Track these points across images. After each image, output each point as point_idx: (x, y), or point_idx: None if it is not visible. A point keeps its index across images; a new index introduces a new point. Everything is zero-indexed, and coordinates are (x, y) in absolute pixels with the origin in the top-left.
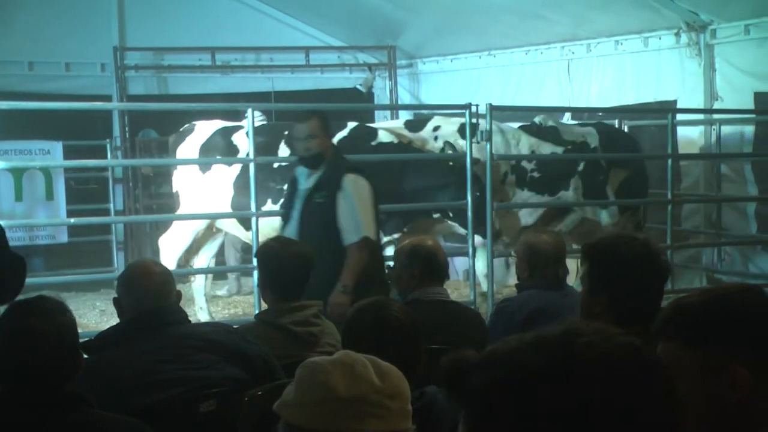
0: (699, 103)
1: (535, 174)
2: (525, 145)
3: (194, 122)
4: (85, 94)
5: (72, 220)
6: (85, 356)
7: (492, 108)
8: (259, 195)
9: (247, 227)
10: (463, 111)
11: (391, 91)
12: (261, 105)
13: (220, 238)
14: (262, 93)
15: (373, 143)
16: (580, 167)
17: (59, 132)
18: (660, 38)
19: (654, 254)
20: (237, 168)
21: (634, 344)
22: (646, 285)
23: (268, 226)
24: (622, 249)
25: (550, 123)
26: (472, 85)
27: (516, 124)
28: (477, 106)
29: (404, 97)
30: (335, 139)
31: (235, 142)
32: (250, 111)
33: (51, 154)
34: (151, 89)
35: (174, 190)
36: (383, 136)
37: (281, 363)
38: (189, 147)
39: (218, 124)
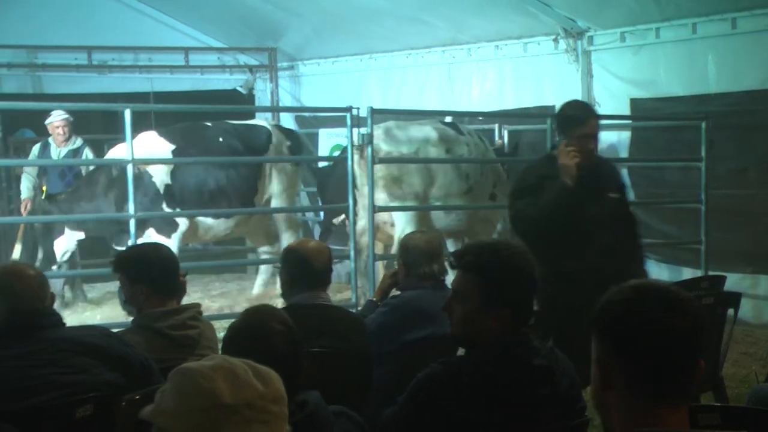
0: None
1: None
2: None
3: None
4: None
5: None
6: None
7: (373, 111)
8: None
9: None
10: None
11: (272, 93)
12: (139, 106)
13: None
14: (141, 93)
15: None
16: None
17: None
18: (539, 44)
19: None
20: None
21: None
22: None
23: None
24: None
25: None
26: (353, 88)
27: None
28: (358, 109)
29: (285, 100)
30: None
31: None
32: (127, 112)
33: None
34: (24, 88)
35: None
36: None
37: (160, 367)
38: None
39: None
